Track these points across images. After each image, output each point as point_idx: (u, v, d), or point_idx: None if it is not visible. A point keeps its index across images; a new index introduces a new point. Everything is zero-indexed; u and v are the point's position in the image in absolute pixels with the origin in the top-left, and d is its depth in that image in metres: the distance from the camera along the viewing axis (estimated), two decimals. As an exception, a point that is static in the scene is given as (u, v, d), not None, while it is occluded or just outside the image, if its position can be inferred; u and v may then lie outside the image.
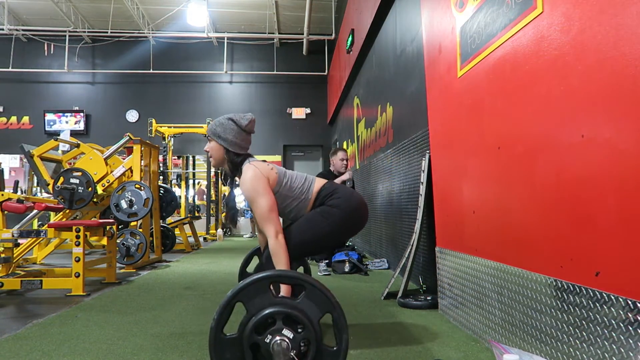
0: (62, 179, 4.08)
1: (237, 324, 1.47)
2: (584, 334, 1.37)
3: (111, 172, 4.57)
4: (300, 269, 2.56)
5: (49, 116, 10.57)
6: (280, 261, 1.82)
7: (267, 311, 1.42)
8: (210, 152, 2.06)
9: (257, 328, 1.42)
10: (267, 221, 1.86)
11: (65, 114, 10.62)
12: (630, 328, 1.19)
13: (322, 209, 1.97)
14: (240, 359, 1.44)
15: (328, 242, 1.99)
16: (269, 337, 1.41)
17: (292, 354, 1.39)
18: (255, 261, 2.56)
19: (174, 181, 9.54)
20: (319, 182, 2.06)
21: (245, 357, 1.42)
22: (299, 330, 1.42)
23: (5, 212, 3.93)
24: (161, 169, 8.13)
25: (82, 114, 10.65)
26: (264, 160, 2.06)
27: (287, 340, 1.40)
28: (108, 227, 3.70)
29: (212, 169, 8.88)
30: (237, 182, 2.07)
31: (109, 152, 4.67)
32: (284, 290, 1.78)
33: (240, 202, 10.50)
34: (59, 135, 4.94)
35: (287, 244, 1.88)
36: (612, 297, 1.26)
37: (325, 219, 1.94)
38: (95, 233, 3.62)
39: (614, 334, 1.25)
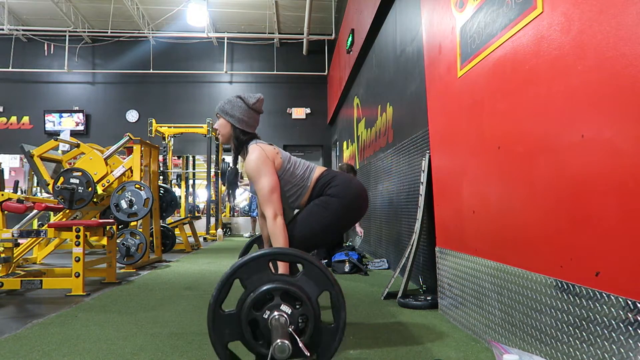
0: (62, 179, 4.08)
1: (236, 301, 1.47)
2: (584, 334, 1.37)
3: (111, 172, 4.57)
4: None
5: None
6: (279, 242, 1.83)
7: (265, 287, 1.42)
8: (218, 129, 2.08)
9: (255, 304, 1.42)
10: (268, 202, 1.87)
11: (63, 115, 10.62)
12: (630, 328, 1.19)
13: (321, 200, 1.98)
14: (238, 335, 1.43)
15: (331, 233, 2.01)
16: (267, 312, 1.41)
17: (290, 329, 1.38)
18: (254, 251, 2.55)
19: (174, 181, 9.55)
20: (319, 170, 2.07)
21: (244, 333, 1.41)
22: (297, 306, 1.42)
23: (5, 212, 3.93)
24: (161, 169, 8.13)
25: (82, 114, 10.66)
26: (271, 144, 2.06)
27: (285, 316, 1.40)
28: (108, 227, 3.70)
29: (212, 170, 8.88)
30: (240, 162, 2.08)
31: (109, 152, 4.67)
32: (282, 269, 1.79)
33: (240, 202, 10.50)
34: (59, 135, 4.94)
35: (290, 239, 1.88)
36: (612, 297, 1.26)
37: (325, 209, 1.96)
38: (95, 233, 3.62)
39: (614, 334, 1.25)
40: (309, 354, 1.40)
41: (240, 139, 2.03)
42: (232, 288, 1.49)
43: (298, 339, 1.38)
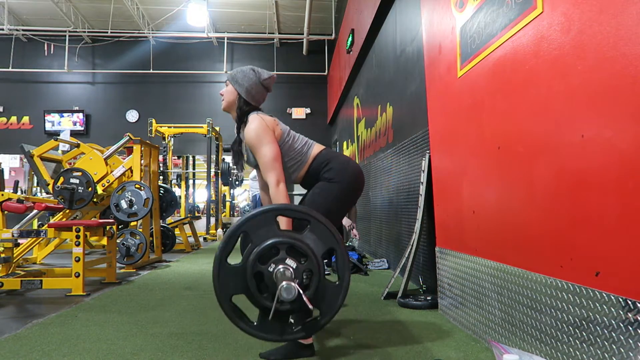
0: (62, 179, 4.08)
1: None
2: (584, 334, 1.37)
3: (111, 172, 4.57)
4: None
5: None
6: None
7: (271, 241, 1.42)
8: (224, 94, 2.07)
9: (261, 257, 1.42)
10: (270, 169, 1.87)
11: (64, 115, 10.62)
12: (630, 328, 1.19)
13: (320, 187, 1.98)
14: (243, 288, 1.43)
15: (334, 218, 2.00)
16: (273, 266, 1.40)
17: (294, 283, 1.38)
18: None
19: (174, 181, 9.54)
20: (318, 147, 2.07)
21: (249, 286, 1.41)
22: (302, 261, 1.42)
23: (5, 212, 3.93)
24: (161, 169, 8.13)
25: (81, 114, 10.66)
26: (271, 115, 2.06)
27: (290, 269, 1.39)
28: (108, 227, 3.70)
29: (212, 170, 8.88)
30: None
31: (109, 152, 4.67)
32: (285, 226, 1.77)
33: (240, 201, 10.48)
34: (59, 135, 4.94)
35: None
36: (612, 297, 1.26)
37: (326, 197, 1.95)
38: (95, 233, 3.62)
39: (614, 334, 1.25)
40: (312, 307, 1.40)
41: (243, 109, 2.02)
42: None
43: (302, 293, 1.38)
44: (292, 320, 1.49)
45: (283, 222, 1.73)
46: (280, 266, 1.39)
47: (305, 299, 1.38)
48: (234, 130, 2.12)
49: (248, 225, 1.43)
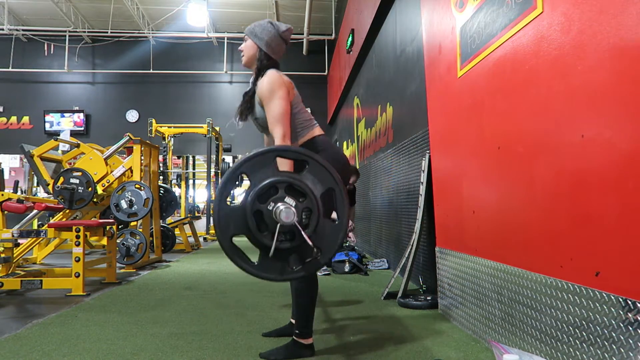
0: (62, 179, 4.08)
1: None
2: (584, 334, 1.37)
3: (111, 172, 4.57)
4: None
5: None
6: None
7: (270, 179, 1.42)
8: (243, 50, 2.06)
9: (260, 196, 1.42)
10: (278, 123, 1.84)
11: (65, 114, 10.62)
12: (630, 328, 1.19)
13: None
14: (243, 228, 1.43)
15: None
16: (272, 204, 1.41)
17: (294, 220, 1.39)
18: None
19: (174, 181, 9.54)
20: (318, 131, 2.04)
21: (249, 225, 1.41)
22: (301, 200, 1.43)
23: (5, 212, 3.93)
24: (161, 169, 8.13)
25: (81, 114, 10.66)
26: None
27: (290, 207, 1.40)
28: (108, 227, 3.70)
29: (212, 170, 8.88)
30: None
31: (109, 152, 4.67)
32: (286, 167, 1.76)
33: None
34: (59, 135, 4.94)
35: None
36: (612, 297, 1.26)
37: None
38: (95, 233, 3.62)
39: (614, 334, 1.25)
40: (312, 244, 1.40)
41: (263, 62, 1.99)
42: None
43: (302, 231, 1.39)
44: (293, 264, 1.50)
45: (285, 166, 1.70)
46: (280, 204, 1.39)
47: (305, 236, 1.39)
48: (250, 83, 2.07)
49: (247, 166, 1.44)
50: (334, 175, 1.46)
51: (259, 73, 1.99)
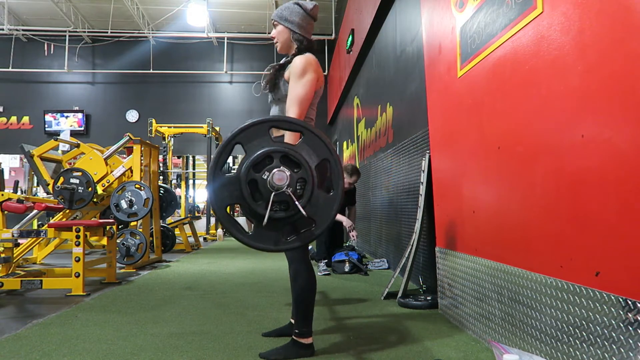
0: (62, 179, 4.08)
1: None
2: (584, 334, 1.37)
3: (111, 172, 4.57)
4: None
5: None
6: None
7: (265, 149, 1.43)
8: (276, 36, 2.01)
9: (255, 165, 1.42)
10: (296, 105, 1.82)
11: (65, 114, 10.62)
12: (630, 328, 1.19)
13: None
14: (238, 197, 1.44)
15: None
16: (267, 173, 1.41)
17: (288, 190, 1.39)
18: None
19: (174, 181, 9.55)
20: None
21: (243, 194, 1.42)
22: (296, 170, 1.43)
23: (5, 212, 3.93)
24: (161, 169, 8.13)
25: (81, 114, 10.66)
26: None
27: (284, 175, 1.40)
28: (108, 227, 3.70)
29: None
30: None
31: (109, 152, 4.67)
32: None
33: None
34: (59, 135, 4.94)
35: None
36: (612, 297, 1.26)
37: None
38: (95, 233, 3.62)
39: (614, 334, 1.25)
40: (305, 214, 1.41)
41: (303, 43, 1.96)
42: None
43: (296, 201, 1.39)
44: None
45: (291, 139, 1.69)
46: (275, 171, 1.40)
47: (299, 205, 1.39)
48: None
49: (241, 137, 1.45)
50: (328, 146, 1.46)
51: (300, 53, 1.93)
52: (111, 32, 10.31)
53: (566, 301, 1.45)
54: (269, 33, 10.96)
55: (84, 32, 10.50)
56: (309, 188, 1.43)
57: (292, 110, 1.82)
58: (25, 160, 5.38)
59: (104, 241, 4.43)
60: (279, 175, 1.38)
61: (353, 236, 4.38)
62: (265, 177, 1.41)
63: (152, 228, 5.26)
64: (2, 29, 10.01)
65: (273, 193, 1.39)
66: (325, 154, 1.46)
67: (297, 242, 1.49)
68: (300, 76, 1.84)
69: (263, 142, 1.45)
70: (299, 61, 1.86)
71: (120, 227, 4.75)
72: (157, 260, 5.21)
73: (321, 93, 1.99)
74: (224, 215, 1.46)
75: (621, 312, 1.22)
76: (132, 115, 10.84)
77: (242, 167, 1.43)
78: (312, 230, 1.48)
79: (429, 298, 2.80)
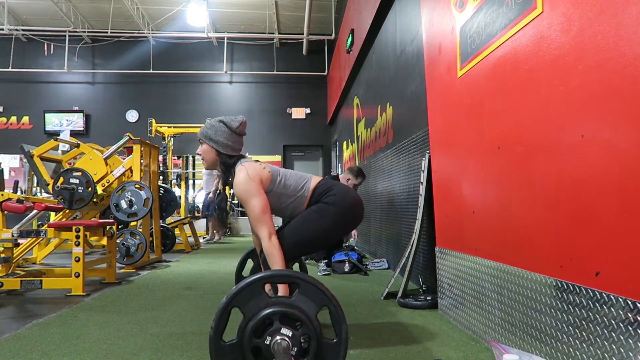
0: (62, 179, 4.08)
1: (236, 326, 1.46)
2: (584, 334, 1.37)
3: (111, 172, 4.57)
4: (296, 266, 2.55)
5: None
6: (276, 262, 1.82)
7: (263, 313, 1.42)
8: (202, 154, 2.05)
9: (255, 331, 1.42)
10: (260, 223, 1.86)
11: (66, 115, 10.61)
12: (630, 328, 1.19)
13: (317, 207, 1.97)
14: None
15: (325, 240, 1.99)
16: (269, 338, 1.41)
17: (293, 351, 1.39)
18: (250, 265, 2.57)
19: (174, 181, 9.54)
20: (315, 180, 2.05)
21: None
22: (298, 326, 1.42)
23: (5, 212, 3.93)
24: (161, 169, 8.13)
25: (81, 114, 10.65)
26: (257, 160, 2.05)
27: (287, 339, 1.40)
28: (108, 227, 3.70)
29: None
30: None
31: (109, 152, 4.67)
32: (282, 289, 1.77)
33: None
34: (59, 135, 4.93)
35: (284, 243, 1.87)
36: (612, 297, 1.26)
37: (321, 216, 1.94)
38: (95, 233, 3.62)
39: (614, 334, 1.25)
40: None
41: (227, 164, 2.01)
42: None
43: None
44: None
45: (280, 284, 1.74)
46: (277, 337, 1.40)
47: None
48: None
49: (237, 300, 1.44)
50: (326, 293, 1.45)
51: (226, 175, 2.02)
52: (111, 32, 10.31)
53: (566, 301, 1.45)
54: (269, 33, 10.99)
55: (84, 32, 10.50)
56: (313, 343, 1.42)
57: (261, 232, 1.85)
58: (25, 160, 5.38)
59: (104, 241, 4.43)
60: (283, 344, 1.38)
61: (353, 236, 4.38)
62: (268, 343, 1.40)
63: (152, 228, 5.26)
64: (2, 29, 10.01)
65: None
66: (324, 301, 1.45)
67: None
68: (246, 199, 1.89)
69: (260, 302, 1.44)
70: (237, 187, 1.91)
71: (120, 227, 4.75)
72: (157, 260, 5.21)
73: (276, 172, 2.01)
74: None
75: (621, 312, 1.22)
76: (132, 115, 10.84)
77: (243, 334, 1.42)
78: None
79: (428, 298, 2.80)
